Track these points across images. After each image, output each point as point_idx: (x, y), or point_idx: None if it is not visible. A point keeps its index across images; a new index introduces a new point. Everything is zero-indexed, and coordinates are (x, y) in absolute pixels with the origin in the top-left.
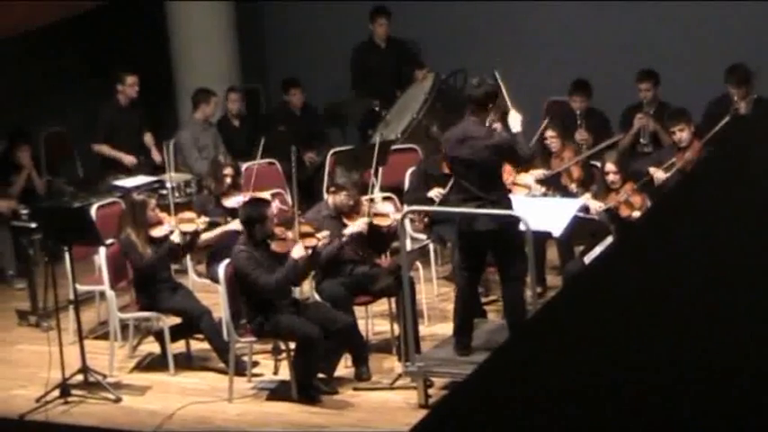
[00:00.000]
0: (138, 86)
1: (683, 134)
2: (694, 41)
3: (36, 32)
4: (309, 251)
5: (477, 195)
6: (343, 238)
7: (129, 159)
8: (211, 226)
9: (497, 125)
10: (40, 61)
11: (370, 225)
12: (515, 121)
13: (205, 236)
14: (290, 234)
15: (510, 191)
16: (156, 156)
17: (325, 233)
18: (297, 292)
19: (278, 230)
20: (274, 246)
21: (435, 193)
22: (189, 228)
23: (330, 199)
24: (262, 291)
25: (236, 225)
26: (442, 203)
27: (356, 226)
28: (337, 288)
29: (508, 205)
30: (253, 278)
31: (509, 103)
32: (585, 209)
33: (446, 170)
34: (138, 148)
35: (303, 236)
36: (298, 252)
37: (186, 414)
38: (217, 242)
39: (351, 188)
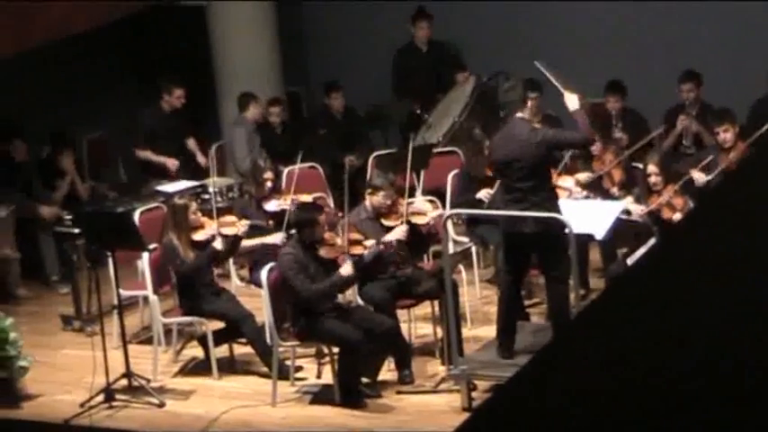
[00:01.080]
0: (184, 99)
1: (727, 135)
2: (736, 41)
3: (78, 37)
4: (355, 271)
5: (522, 196)
6: (380, 246)
7: (172, 162)
8: (253, 229)
9: (538, 126)
10: (83, 66)
11: (409, 224)
12: (571, 101)
13: (246, 242)
14: (338, 240)
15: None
16: (201, 159)
17: (371, 242)
18: (339, 296)
19: (327, 236)
20: (323, 251)
21: (484, 193)
22: (230, 231)
23: (368, 201)
24: (300, 298)
25: (276, 238)
26: (489, 206)
27: (395, 233)
28: (380, 291)
29: (554, 206)
30: (294, 284)
31: (561, 87)
32: (628, 211)
33: (489, 173)
34: (179, 153)
35: (352, 243)
36: (346, 270)
37: (230, 418)
38: (256, 251)
39: (388, 188)
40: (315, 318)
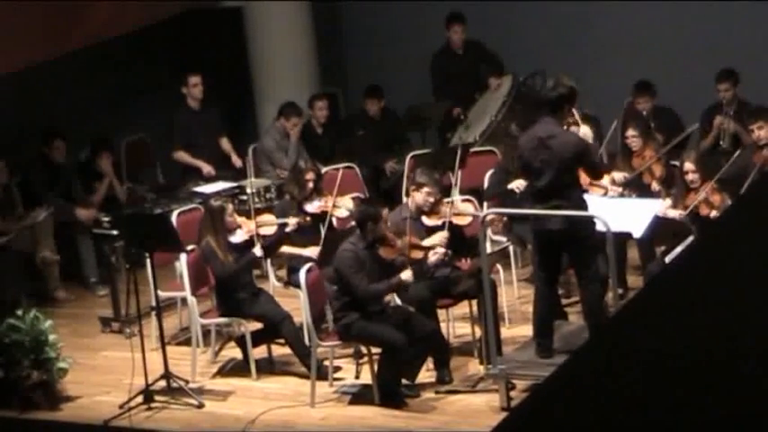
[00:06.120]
0: (201, 86)
1: (761, 132)
2: None
3: (119, 40)
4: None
5: (549, 196)
6: (429, 258)
7: (207, 170)
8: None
9: (575, 128)
10: (122, 69)
11: (451, 224)
12: (586, 134)
13: (284, 248)
14: (399, 242)
15: (586, 191)
16: (236, 161)
17: (441, 251)
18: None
19: (389, 235)
20: (382, 251)
21: (517, 184)
22: (268, 231)
23: (411, 199)
24: (355, 295)
25: (312, 252)
26: (521, 198)
27: (435, 238)
28: (421, 291)
29: (583, 205)
30: (351, 281)
31: (578, 119)
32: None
33: None
34: (216, 149)
35: (413, 247)
36: (407, 276)
37: (269, 419)
38: (291, 258)
39: (432, 185)
40: (359, 317)
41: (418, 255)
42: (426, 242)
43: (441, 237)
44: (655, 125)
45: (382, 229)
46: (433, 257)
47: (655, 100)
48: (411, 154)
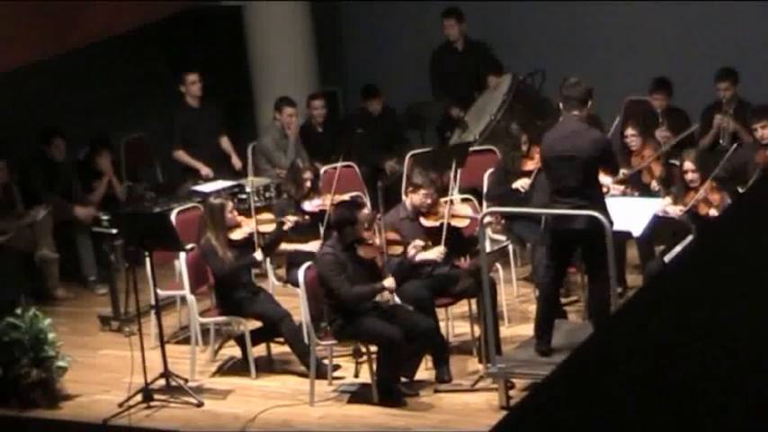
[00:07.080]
0: (199, 83)
1: (765, 131)
2: None
3: (118, 38)
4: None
5: (572, 192)
6: (416, 256)
7: (206, 171)
8: (295, 227)
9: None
10: (121, 68)
11: (449, 227)
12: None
13: (283, 246)
14: (377, 240)
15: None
16: (236, 162)
17: (419, 242)
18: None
19: (367, 235)
20: (361, 251)
21: (521, 183)
22: (267, 229)
23: (408, 199)
24: (338, 299)
25: (313, 246)
26: (525, 197)
27: (431, 254)
28: (420, 290)
29: (603, 204)
30: (333, 285)
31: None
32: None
33: (526, 167)
34: (216, 148)
35: (390, 243)
36: (389, 283)
37: (268, 417)
38: (292, 254)
39: (428, 186)
40: (354, 317)
41: (397, 250)
42: (423, 256)
43: (438, 252)
44: (665, 124)
45: (360, 231)
46: (412, 251)
47: (671, 100)
48: (410, 153)
